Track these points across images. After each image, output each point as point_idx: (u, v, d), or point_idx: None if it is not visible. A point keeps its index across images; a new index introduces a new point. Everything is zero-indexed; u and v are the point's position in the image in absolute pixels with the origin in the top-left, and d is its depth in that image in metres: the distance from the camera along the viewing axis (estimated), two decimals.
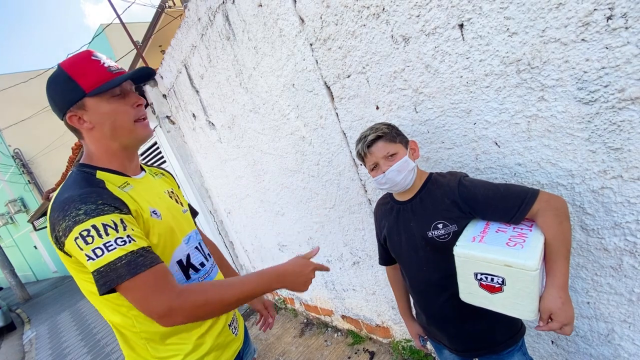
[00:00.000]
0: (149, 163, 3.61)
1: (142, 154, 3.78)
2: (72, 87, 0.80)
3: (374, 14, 1.25)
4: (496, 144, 1.11)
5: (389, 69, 1.29)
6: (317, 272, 1.02)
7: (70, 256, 0.75)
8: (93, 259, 0.68)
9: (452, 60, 1.10)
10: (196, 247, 0.98)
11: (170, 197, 1.00)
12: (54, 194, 0.78)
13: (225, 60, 2.15)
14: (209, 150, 2.93)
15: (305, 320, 2.91)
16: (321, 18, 1.44)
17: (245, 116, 2.26)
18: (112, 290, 0.70)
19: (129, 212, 0.77)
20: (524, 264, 0.80)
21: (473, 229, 0.94)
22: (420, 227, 1.01)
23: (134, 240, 0.72)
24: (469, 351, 1.08)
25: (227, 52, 2.11)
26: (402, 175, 1.00)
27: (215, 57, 2.23)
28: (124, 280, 0.68)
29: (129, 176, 0.89)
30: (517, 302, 0.84)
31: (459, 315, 1.02)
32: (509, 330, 1.03)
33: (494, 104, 1.06)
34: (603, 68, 0.83)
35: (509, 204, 0.89)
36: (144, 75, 0.90)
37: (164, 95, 3.18)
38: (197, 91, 2.65)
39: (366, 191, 1.71)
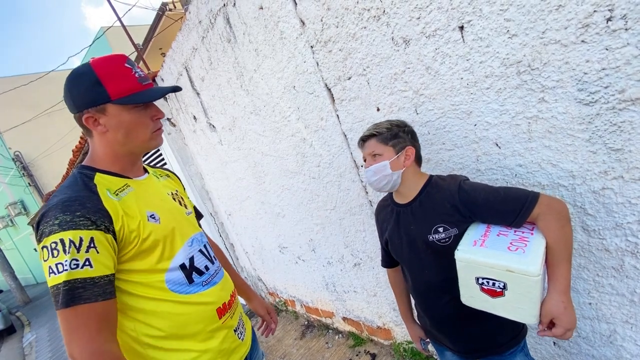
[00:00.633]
0: (152, 164, 3.62)
1: (143, 156, 3.79)
2: (99, 90, 0.79)
3: (374, 17, 1.25)
4: (497, 145, 1.11)
5: (390, 70, 1.30)
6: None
7: None
8: (49, 275, 0.68)
9: (452, 62, 1.10)
10: (200, 250, 0.96)
11: (174, 199, 0.98)
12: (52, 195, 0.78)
13: (226, 63, 2.16)
14: (210, 152, 2.93)
15: (306, 322, 2.91)
16: (322, 20, 1.45)
17: (246, 118, 2.27)
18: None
19: (107, 227, 0.74)
20: (526, 270, 0.79)
21: (474, 233, 0.93)
22: (420, 231, 1.01)
23: (87, 265, 0.69)
24: (471, 352, 1.07)
25: (228, 55, 2.12)
26: (376, 178, 1.03)
27: (216, 59, 2.24)
28: (58, 308, 0.68)
29: (130, 178, 0.88)
30: (518, 307, 0.84)
31: (461, 317, 1.02)
32: (511, 331, 1.03)
33: (494, 106, 1.06)
34: (603, 69, 0.83)
35: (510, 208, 0.88)
36: (171, 91, 0.90)
37: (165, 98, 3.19)
38: (197, 93, 2.65)
39: (367, 193, 1.71)
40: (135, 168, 0.93)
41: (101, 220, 0.73)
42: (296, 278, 2.76)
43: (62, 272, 0.67)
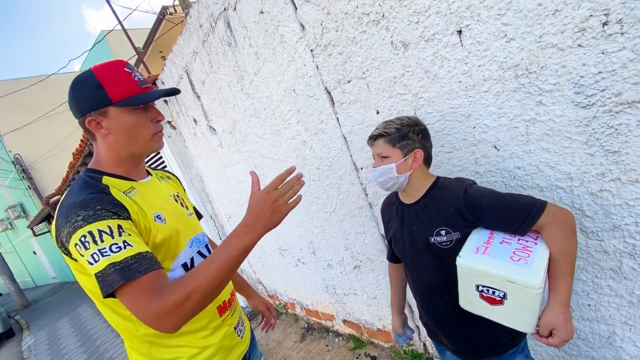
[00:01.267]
0: (153, 166, 3.63)
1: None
2: (100, 93, 0.81)
3: (373, 21, 1.27)
4: (495, 147, 1.12)
5: (389, 74, 1.31)
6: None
7: (77, 260, 0.76)
8: (92, 264, 0.69)
9: (451, 66, 1.11)
10: (199, 251, 0.98)
11: (176, 200, 1.01)
12: (60, 200, 0.79)
13: (227, 66, 2.18)
14: (210, 155, 2.94)
15: (306, 325, 2.90)
16: (322, 25, 1.46)
17: (246, 121, 2.28)
18: (113, 295, 0.71)
19: (128, 217, 0.77)
20: (527, 282, 0.78)
21: (477, 238, 0.92)
22: (423, 232, 1.01)
23: (130, 245, 0.71)
24: (470, 353, 1.08)
25: (228, 58, 2.13)
26: (382, 179, 1.04)
27: (217, 62, 2.25)
28: (117, 286, 0.68)
29: (135, 180, 0.91)
30: (516, 316, 0.84)
31: (460, 318, 1.02)
32: (510, 332, 1.03)
33: (492, 108, 1.07)
34: (600, 73, 0.84)
35: (515, 216, 0.87)
36: (170, 94, 0.92)
37: (165, 101, 3.20)
38: (198, 96, 2.67)
39: (367, 195, 1.72)
40: (139, 171, 0.95)
41: (121, 211, 0.76)
42: (296, 281, 2.76)
43: (106, 256, 0.69)
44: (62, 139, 12.00)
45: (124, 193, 0.83)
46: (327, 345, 2.52)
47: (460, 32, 1.05)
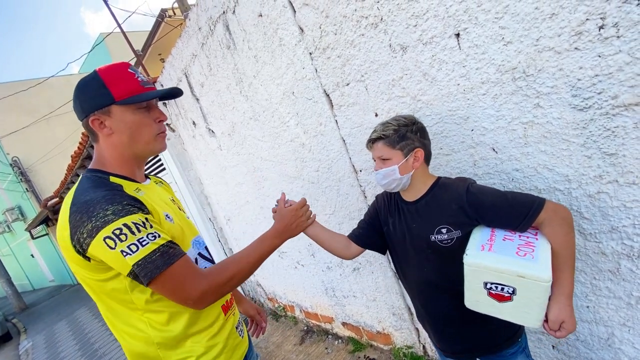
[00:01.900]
0: (148, 171, 3.63)
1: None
2: (104, 92, 0.82)
3: (372, 24, 1.27)
4: (494, 150, 1.12)
5: (388, 77, 1.32)
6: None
7: (90, 260, 0.76)
8: (130, 254, 0.72)
9: (449, 69, 1.12)
10: (200, 252, 1.00)
11: (173, 204, 1.03)
12: (69, 199, 0.79)
13: (226, 69, 2.18)
14: (209, 158, 2.94)
15: (305, 328, 2.89)
16: (320, 28, 1.47)
17: (245, 123, 2.28)
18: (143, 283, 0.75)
19: (149, 212, 0.81)
20: (538, 276, 0.79)
21: (480, 237, 0.93)
22: (423, 230, 1.02)
23: (161, 235, 0.77)
24: (465, 353, 1.08)
25: (227, 61, 2.14)
26: (386, 181, 1.05)
27: (216, 65, 2.26)
28: (161, 271, 0.74)
29: (139, 182, 0.92)
30: (525, 311, 0.85)
31: (459, 316, 1.02)
32: (508, 331, 1.03)
33: (490, 111, 1.08)
34: (596, 75, 0.85)
35: (516, 212, 0.89)
36: (173, 94, 0.94)
37: (164, 103, 3.21)
38: (197, 99, 2.67)
39: (366, 197, 1.72)
40: (141, 173, 0.96)
41: (143, 206, 0.80)
42: (295, 283, 2.76)
43: (146, 245, 0.74)
44: (60, 142, 11.99)
45: (134, 192, 0.85)
46: (326, 348, 2.52)
47: (458, 35, 1.06)
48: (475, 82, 1.07)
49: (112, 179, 0.85)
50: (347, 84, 1.49)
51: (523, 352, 1.04)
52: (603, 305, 1.07)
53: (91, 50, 8.45)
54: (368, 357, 2.23)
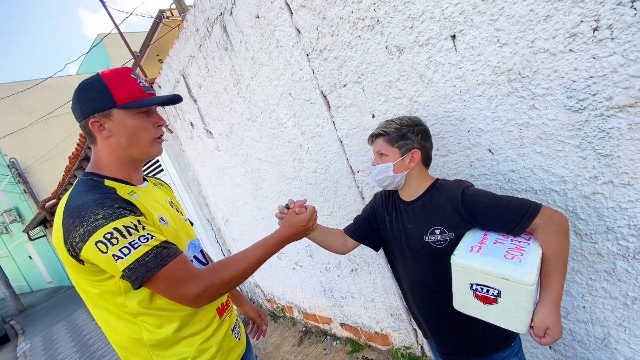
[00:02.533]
0: (145, 173, 3.62)
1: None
2: (106, 96, 0.83)
3: (369, 26, 1.28)
4: (490, 151, 1.13)
5: (385, 78, 1.32)
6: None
7: (84, 264, 0.76)
8: (122, 258, 0.72)
9: (445, 70, 1.12)
10: (196, 256, 1.00)
11: (172, 206, 1.03)
12: (63, 202, 0.79)
13: (224, 71, 2.18)
14: (207, 159, 2.94)
15: (304, 329, 2.89)
16: (317, 30, 1.47)
17: (243, 125, 2.28)
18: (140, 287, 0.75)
19: (142, 214, 0.81)
20: (521, 279, 0.80)
21: (471, 239, 0.94)
22: (418, 231, 1.03)
23: (154, 236, 0.77)
24: (459, 354, 1.08)
25: (225, 63, 2.14)
26: (379, 178, 1.06)
27: (214, 67, 2.26)
28: (154, 273, 0.73)
29: (135, 185, 0.92)
30: (511, 315, 0.85)
31: (452, 317, 1.02)
32: (502, 334, 1.03)
33: (487, 113, 1.08)
34: (591, 77, 0.85)
35: (511, 217, 0.89)
36: (173, 101, 0.95)
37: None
38: (195, 100, 2.67)
39: (363, 198, 1.73)
40: (138, 176, 0.96)
41: (136, 209, 0.80)
42: (294, 284, 2.76)
43: (138, 247, 0.73)
44: (58, 143, 11.95)
45: (129, 195, 0.85)
46: (325, 349, 2.52)
47: (454, 37, 1.06)
48: (471, 83, 1.08)
49: (107, 182, 0.86)
50: (345, 86, 1.49)
51: (516, 356, 1.04)
52: (599, 305, 1.08)
53: (89, 52, 8.44)
54: (366, 358, 2.23)
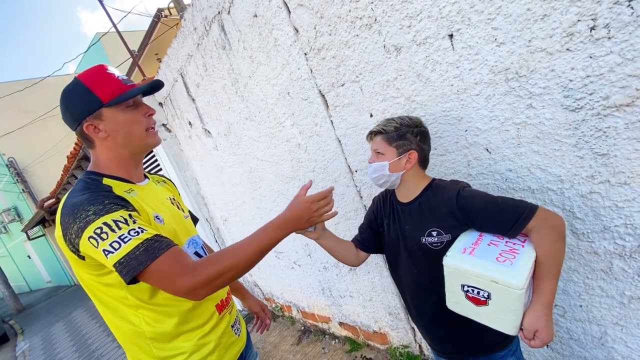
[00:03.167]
0: (146, 170, 3.61)
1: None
2: (90, 97, 0.83)
3: (366, 25, 1.27)
4: (487, 150, 1.13)
5: (382, 77, 1.32)
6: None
7: (84, 259, 0.77)
8: (112, 252, 0.71)
9: (442, 69, 1.12)
10: (196, 252, 1.00)
11: (172, 203, 1.03)
12: (62, 201, 0.81)
13: (221, 69, 2.18)
14: (205, 158, 2.94)
15: (302, 328, 2.90)
16: (315, 28, 1.47)
17: (241, 124, 2.28)
18: (135, 280, 0.73)
19: (134, 210, 0.80)
20: (510, 282, 0.79)
21: (465, 240, 0.94)
22: (414, 232, 1.03)
23: (145, 230, 0.75)
24: (457, 354, 1.08)
25: (223, 61, 2.13)
26: (375, 175, 1.06)
27: (211, 66, 2.25)
28: (145, 266, 0.72)
29: (134, 183, 0.93)
30: (501, 317, 0.85)
31: (449, 317, 1.02)
32: (497, 334, 1.03)
33: (484, 112, 1.08)
34: (588, 76, 0.85)
35: (506, 218, 0.88)
36: (154, 87, 0.94)
37: (160, 104, 3.20)
38: (193, 99, 2.66)
39: (361, 197, 1.72)
40: (138, 173, 0.97)
41: (128, 204, 0.80)
42: (292, 283, 2.76)
43: (128, 241, 0.72)
44: (56, 142, 11.93)
45: (125, 192, 0.86)
46: (323, 348, 2.52)
47: (451, 36, 1.06)
48: (468, 82, 1.08)
49: (105, 180, 0.86)
50: (342, 85, 1.49)
51: (513, 355, 1.04)
52: (596, 304, 1.08)
53: (87, 50, 8.41)
54: (365, 356, 2.23)
